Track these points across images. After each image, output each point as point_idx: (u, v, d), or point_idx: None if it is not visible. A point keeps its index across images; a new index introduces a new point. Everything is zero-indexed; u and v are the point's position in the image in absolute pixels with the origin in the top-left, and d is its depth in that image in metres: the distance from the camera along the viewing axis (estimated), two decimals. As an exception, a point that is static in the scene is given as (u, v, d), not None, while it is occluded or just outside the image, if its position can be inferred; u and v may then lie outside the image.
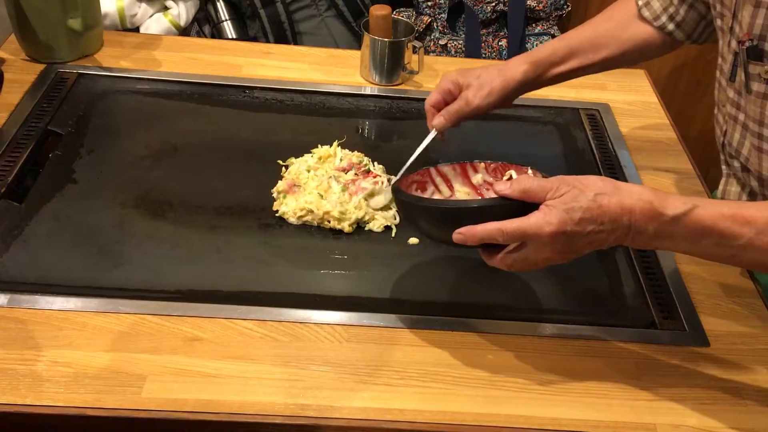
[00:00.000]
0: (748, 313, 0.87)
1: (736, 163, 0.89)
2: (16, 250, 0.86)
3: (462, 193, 0.87)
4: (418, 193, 0.85)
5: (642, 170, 1.09)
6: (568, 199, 0.67)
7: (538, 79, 0.96)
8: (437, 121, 0.93)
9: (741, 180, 0.90)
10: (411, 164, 0.90)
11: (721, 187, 0.94)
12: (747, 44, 0.78)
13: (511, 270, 0.72)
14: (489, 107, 0.93)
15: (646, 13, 0.97)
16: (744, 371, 0.80)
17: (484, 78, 0.92)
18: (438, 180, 0.87)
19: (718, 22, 0.85)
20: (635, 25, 0.98)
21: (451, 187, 0.87)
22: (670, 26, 0.96)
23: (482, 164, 0.86)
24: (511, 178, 0.82)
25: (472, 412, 0.74)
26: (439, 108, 0.94)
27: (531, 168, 0.80)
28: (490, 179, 0.85)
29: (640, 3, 0.98)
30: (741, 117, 0.84)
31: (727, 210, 0.67)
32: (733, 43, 0.81)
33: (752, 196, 0.89)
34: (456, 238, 0.70)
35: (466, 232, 0.69)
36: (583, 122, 1.20)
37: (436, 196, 0.86)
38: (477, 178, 0.86)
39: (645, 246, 0.71)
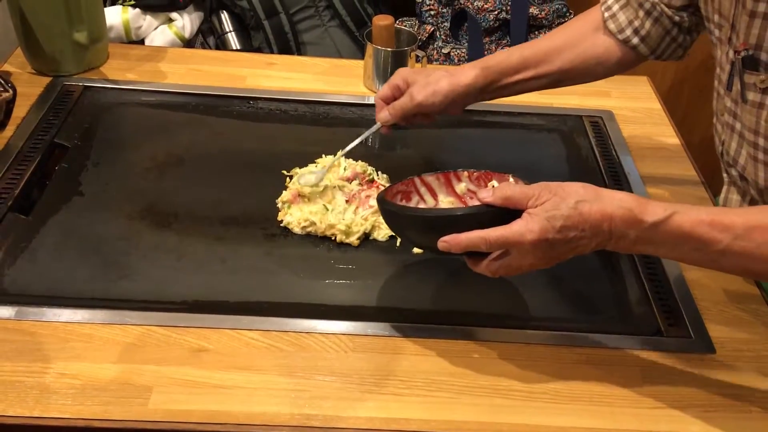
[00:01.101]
0: (754, 320, 0.87)
1: (734, 172, 0.89)
2: (23, 262, 0.87)
3: (446, 202, 0.87)
4: (403, 203, 0.85)
5: (646, 177, 1.09)
6: (549, 207, 0.68)
7: (489, 87, 0.96)
8: (382, 114, 0.96)
9: (741, 189, 0.90)
10: (355, 151, 0.98)
11: (722, 194, 0.94)
12: (743, 54, 0.78)
13: (496, 276, 0.73)
14: (434, 107, 0.93)
15: (611, 26, 0.96)
16: (749, 378, 0.80)
17: (432, 78, 0.93)
18: (422, 190, 0.88)
19: (716, 32, 0.85)
20: (595, 36, 0.98)
21: (435, 197, 0.88)
22: (635, 40, 0.95)
23: (465, 173, 0.86)
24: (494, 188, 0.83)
25: (478, 421, 0.74)
26: (387, 102, 0.96)
27: (513, 176, 0.81)
28: (474, 188, 0.86)
29: (605, 15, 0.97)
30: (738, 126, 0.85)
31: (705, 216, 0.67)
32: (731, 53, 0.81)
33: (753, 204, 0.89)
34: (441, 246, 0.72)
35: (451, 241, 0.71)
36: (587, 129, 1.20)
37: (421, 206, 0.87)
38: (461, 187, 0.87)
39: (627, 251, 0.72)
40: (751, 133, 0.82)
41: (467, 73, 0.94)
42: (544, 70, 0.97)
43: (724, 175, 0.93)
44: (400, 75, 0.95)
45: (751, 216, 0.67)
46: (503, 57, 0.96)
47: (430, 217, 0.75)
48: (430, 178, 0.87)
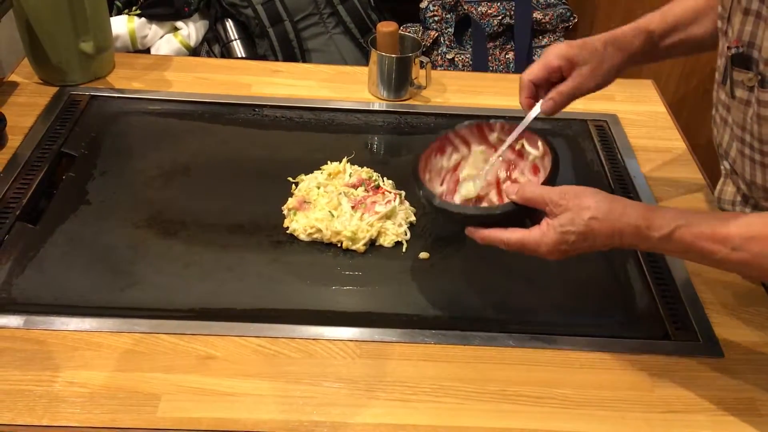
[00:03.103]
0: (762, 323, 0.87)
1: (727, 165, 0.90)
2: (31, 271, 0.87)
3: (478, 152, 0.89)
4: (438, 158, 0.89)
5: (651, 180, 1.09)
6: (564, 222, 0.73)
7: (650, 52, 0.90)
8: (547, 105, 0.85)
9: (734, 182, 0.90)
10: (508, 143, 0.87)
11: (719, 186, 0.95)
12: (733, 51, 0.78)
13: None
14: (602, 87, 0.87)
15: None
16: (759, 381, 0.80)
17: (603, 54, 0.84)
18: (456, 141, 0.89)
19: (719, 23, 0.85)
20: None
21: (468, 146, 0.89)
22: None
23: (498, 124, 0.88)
24: (523, 147, 0.87)
25: (486, 427, 0.74)
26: (537, 85, 0.85)
27: (541, 140, 0.84)
28: (505, 138, 0.87)
29: None
30: (729, 120, 0.85)
31: (706, 228, 0.69)
32: (724, 48, 0.82)
33: (745, 198, 0.89)
34: (468, 234, 0.79)
35: (475, 233, 0.78)
36: (592, 134, 1.20)
37: (455, 156, 0.89)
38: (493, 137, 0.89)
39: (642, 251, 0.79)
40: (738, 128, 0.82)
41: (634, 42, 0.87)
42: (694, 32, 0.91)
43: (722, 167, 0.93)
44: (558, 54, 0.83)
45: (752, 228, 0.69)
46: (658, 19, 0.89)
47: (456, 214, 0.80)
48: (463, 131, 0.89)
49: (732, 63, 0.79)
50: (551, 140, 0.84)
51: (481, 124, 0.88)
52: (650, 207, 0.73)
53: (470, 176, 0.89)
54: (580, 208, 0.72)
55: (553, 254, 0.75)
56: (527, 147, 0.87)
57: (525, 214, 0.77)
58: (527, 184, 0.76)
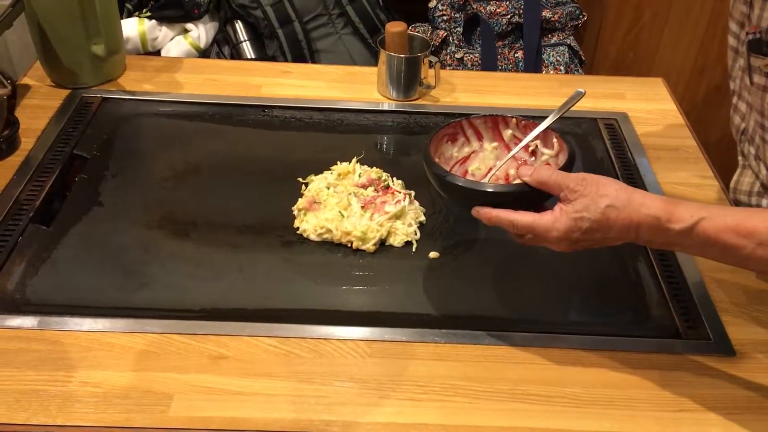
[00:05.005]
0: (774, 321, 0.87)
1: (752, 150, 0.89)
2: (44, 273, 0.88)
3: (490, 149, 0.88)
4: (448, 144, 0.87)
5: (662, 178, 1.08)
6: (579, 208, 0.70)
7: None
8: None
9: (754, 170, 0.90)
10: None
11: (735, 177, 0.95)
12: (750, 37, 0.78)
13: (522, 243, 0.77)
14: None
15: None
16: (771, 380, 0.80)
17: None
18: (469, 132, 0.88)
19: (743, 8, 0.85)
20: None
21: (480, 139, 0.89)
22: None
23: (513, 120, 0.87)
24: (536, 147, 0.85)
25: (496, 426, 0.74)
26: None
27: (556, 136, 0.83)
28: (520, 135, 0.87)
29: None
30: (753, 106, 0.85)
31: (731, 221, 0.67)
32: (743, 34, 0.82)
33: (764, 188, 0.89)
34: (473, 214, 0.76)
35: (483, 213, 0.75)
36: (602, 132, 1.20)
37: (466, 149, 0.88)
38: (507, 134, 0.88)
39: (654, 247, 0.74)
40: (758, 114, 0.82)
41: None
42: None
43: (740, 157, 0.93)
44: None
45: None
46: None
47: (464, 188, 0.77)
48: (477, 121, 0.88)
49: (749, 48, 0.79)
50: (567, 138, 0.82)
51: (496, 117, 0.87)
52: (671, 200, 0.70)
53: (479, 170, 0.89)
54: (598, 195, 0.70)
55: (562, 242, 0.72)
56: (541, 147, 0.86)
57: (533, 200, 0.74)
58: (542, 168, 0.74)
